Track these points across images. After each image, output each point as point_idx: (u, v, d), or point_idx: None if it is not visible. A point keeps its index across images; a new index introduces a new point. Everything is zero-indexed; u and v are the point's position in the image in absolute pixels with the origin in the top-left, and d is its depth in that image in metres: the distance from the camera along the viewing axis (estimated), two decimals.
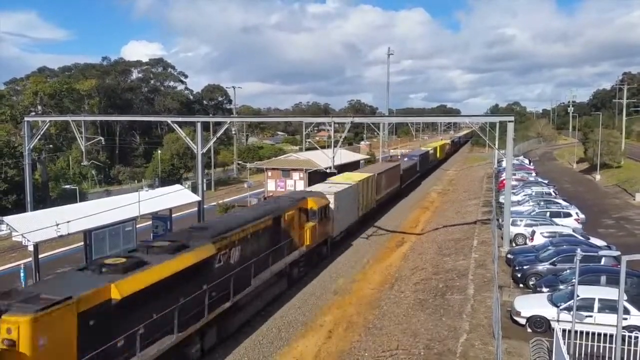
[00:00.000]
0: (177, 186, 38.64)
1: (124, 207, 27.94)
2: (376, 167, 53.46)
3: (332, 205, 31.33)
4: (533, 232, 28.36)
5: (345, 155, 57.12)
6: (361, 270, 30.45)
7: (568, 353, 14.34)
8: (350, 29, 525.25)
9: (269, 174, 54.05)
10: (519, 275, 23.42)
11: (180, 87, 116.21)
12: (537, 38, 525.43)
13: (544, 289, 20.60)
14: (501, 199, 38.78)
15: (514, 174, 44.01)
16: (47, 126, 43.66)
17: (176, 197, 34.05)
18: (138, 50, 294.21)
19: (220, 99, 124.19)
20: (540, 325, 18.16)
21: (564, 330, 15.26)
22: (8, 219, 25.83)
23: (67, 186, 52.26)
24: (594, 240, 26.95)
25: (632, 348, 14.85)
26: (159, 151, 70.23)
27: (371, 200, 42.29)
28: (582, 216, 33.09)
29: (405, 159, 69.05)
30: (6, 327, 11.09)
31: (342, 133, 72.76)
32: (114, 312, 13.20)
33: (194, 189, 40.68)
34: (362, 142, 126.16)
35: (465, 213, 43.47)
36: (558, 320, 17.10)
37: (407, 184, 59.41)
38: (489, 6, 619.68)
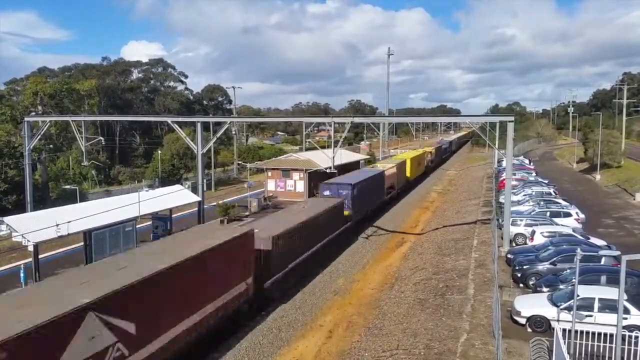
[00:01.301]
0: (177, 186, 38.74)
1: (124, 207, 27.99)
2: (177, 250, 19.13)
3: None
4: (533, 232, 28.36)
5: (345, 156, 57.16)
6: (361, 270, 30.46)
7: (568, 353, 14.34)
8: (350, 28, 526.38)
9: (269, 174, 54.15)
10: (519, 275, 23.44)
11: (180, 87, 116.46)
12: (537, 38, 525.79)
13: (544, 289, 20.62)
14: (501, 199, 38.78)
15: (514, 174, 43.98)
16: (47, 126, 43.78)
17: (176, 197, 34.15)
18: (138, 51, 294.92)
19: (220, 99, 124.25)
20: (541, 325, 18.17)
21: (564, 330, 15.27)
22: (8, 219, 25.86)
23: (67, 186, 52.25)
24: (594, 240, 26.95)
25: (632, 347, 14.85)
26: (159, 151, 70.24)
27: None
28: (582, 216, 33.09)
29: (326, 192, 37.32)
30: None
31: (342, 133, 72.74)
32: None
33: (194, 189, 40.69)
34: (362, 142, 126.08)
35: (465, 213, 43.46)
36: (558, 320, 17.11)
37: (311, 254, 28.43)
38: (488, 6, 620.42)
